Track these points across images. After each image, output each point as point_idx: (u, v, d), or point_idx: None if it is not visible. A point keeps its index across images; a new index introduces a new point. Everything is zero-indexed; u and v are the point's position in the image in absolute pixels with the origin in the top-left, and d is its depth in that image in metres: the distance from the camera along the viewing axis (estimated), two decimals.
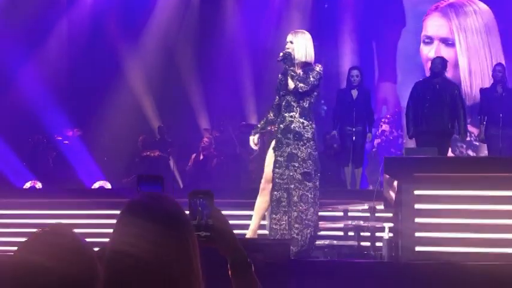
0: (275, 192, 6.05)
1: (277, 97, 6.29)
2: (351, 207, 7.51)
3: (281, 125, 6.10)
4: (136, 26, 13.40)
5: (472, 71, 12.92)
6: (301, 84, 6.00)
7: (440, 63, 8.92)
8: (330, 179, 10.28)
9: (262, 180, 6.20)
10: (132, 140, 12.15)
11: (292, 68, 6.06)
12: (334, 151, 10.42)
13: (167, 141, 12.05)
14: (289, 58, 6.08)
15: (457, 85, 9.27)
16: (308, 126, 6.02)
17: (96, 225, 7.95)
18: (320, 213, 7.69)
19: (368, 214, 7.23)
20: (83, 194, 9.36)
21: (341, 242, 7.09)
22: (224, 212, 2.00)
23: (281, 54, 6.13)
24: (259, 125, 6.53)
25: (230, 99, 12.23)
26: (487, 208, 5.98)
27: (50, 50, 13.11)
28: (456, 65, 13.00)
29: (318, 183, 6.12)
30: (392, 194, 6.50)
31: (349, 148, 9.55)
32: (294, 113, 6.04)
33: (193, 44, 13.49)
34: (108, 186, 11.06)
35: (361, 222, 7.05)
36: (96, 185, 11.13)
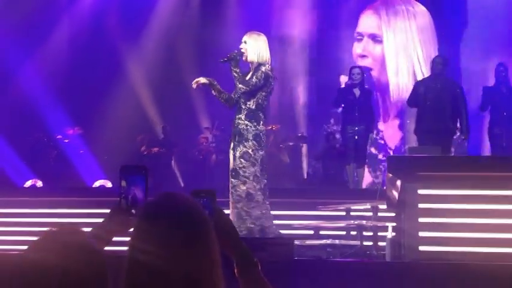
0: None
1: (233, 91, 6.34)
2: (353, 207, 7.47)
3: (233, 128, 6.26)
4: (137, 25, 13.38)
5: (400, 69, 12.97)
6: (240, 85, 6.14)
7: (440, 62, 8.84)
8: (332, 179, 10.25)
9: None
10: (133, 138, 12.13)
11: (235, 69, 6.18)
12: (337, 151, 10.35)
13: (171, 141, 12.06)
14: (234, 59, 6.17)
15: (458, 84, 9.22)
16: (250, 127, 6.12)
17: (96, 225, 7.92)
18: (322, 213, 7.68)
19: (371, 213, 7.20)
20: (84, 192, 9.34)
21: (343, 242, 7.06)
22: (227, 211, 1.96)
23: (229, 55, 6.22)
24: (218, 86, 6.35)
25: None
26: (491, 208, 5.95)
27: (50, 48, 13.09)
28: (384, 62, 13.09)
29: (254, 183, 6.05)
30: (395, 193, 6.46)
31: (351, 147, 9.51)
32: (241, 115, 6.16)
33: (194, 42, 13.46)
34: (109, 185, 11.03)
35: (364, 222, 7.01)
36: (96, 184, 11.11)
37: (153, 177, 11.53)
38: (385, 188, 7.25)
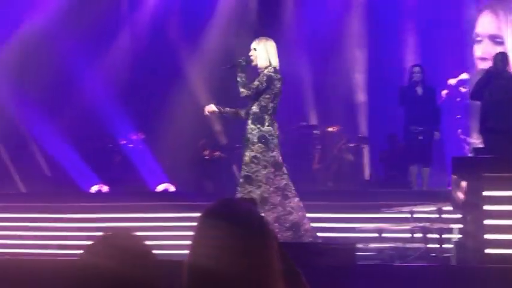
0: None
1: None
2: (417, 209, 7.34)
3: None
4: (196, 28, 13.50)
5: None
6: (242, 89, 6.16)
7: (501, 60, 8.57)
8: (394, 180, 10.07)
9: None
10: (195, 142, 12.24)
11: (240, 75, 6.19)
12: (401, 151, 10.17)
13: (233, 145, 12.14)
14: (239, 66, 6.21)
15: None
16: (254, 130, 6.11)
17: (160, 228, 8.03)
18: (385, 215, 7.57)
19: (435, 216, 7.07)
20: (148, 197, 9.48)
21: (407, 245, 6.95)
22: None
23: (237, 62, 6.27)
24: (229, 110, 6.45)
25: (289, 100, 12.18)
26: None
27: (113, 54, 13.34)
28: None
29: (268, 186, 5.99)
30: (461, 195, 6.33)
31: (415, 147, 9.33)
32: (249, 120, 6.20)
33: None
34: (172, 188, 11.17)
35: (428, 224, 6.89)
36: (160, 188, 11.26)
37: (214, 181, 11.62)
38: (450, 189, 7.11)
